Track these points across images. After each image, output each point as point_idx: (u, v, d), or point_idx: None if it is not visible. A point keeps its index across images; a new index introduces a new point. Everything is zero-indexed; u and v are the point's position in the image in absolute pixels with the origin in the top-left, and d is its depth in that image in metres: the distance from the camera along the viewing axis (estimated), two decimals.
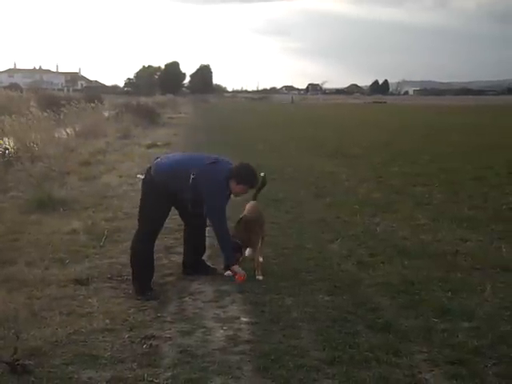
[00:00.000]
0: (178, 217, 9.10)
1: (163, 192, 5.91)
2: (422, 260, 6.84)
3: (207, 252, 6.79)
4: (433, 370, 4.22)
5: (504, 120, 38.05)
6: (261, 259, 6.49)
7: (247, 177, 5.97)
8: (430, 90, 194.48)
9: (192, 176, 5.79)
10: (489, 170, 14.19)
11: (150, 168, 6.08)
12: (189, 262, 6.44)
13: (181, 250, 7.37)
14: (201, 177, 5.81)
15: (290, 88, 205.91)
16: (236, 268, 6.07)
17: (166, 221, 8.83)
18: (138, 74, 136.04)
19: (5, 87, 64.10)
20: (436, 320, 5.07)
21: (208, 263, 6.59)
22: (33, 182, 10.92)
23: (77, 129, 20.42)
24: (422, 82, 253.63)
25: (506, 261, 6.77)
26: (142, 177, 6.38)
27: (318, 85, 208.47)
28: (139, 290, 5.76)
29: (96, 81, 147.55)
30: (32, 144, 14.83)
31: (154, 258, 6.20)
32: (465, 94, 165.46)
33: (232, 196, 6.14)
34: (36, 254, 6.91)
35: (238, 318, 5.21)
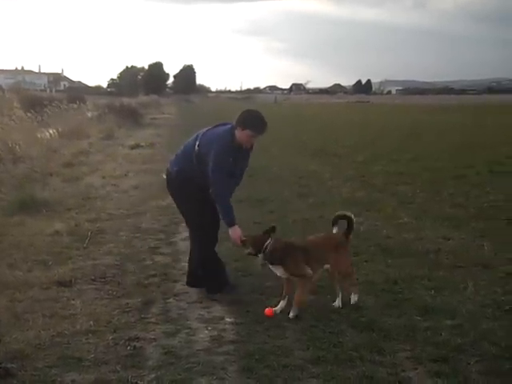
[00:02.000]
0: (162, 217, 9.17)
1: (188, 187, 5.68)
2: (405, 258, 6.88)
3: None
4: (416, 368, 4.25)
5: (485, 119, 38.32)
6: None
7: (251, 119, 5.57)
8: (412, 90, 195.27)
9: (197, 145, 5.58)
10: (470, 169, 14.29)
11: (168, 166, 5.94)
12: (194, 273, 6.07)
13: (164, 250, 7.38)
14: (204, 141, 5.56)
15: (273, 88, 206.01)
16: (234, 230, 5.49)
17: (151, 221, 8.90)
18: (122, 75, 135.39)
19: None
20: (419, 318, 5.11)
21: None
22: (15, 183, 10.84)
23: (60, 130, 20.28)
24: (405, 81, 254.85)
25: (488, 258, 6.84)
26: (164, 176, 6.11)
27: (301, 84, 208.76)
28: (217, 287, 5.76)
29: (79, 81, 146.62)
30: (14, 145, 14.71)
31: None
32: (447, 93, 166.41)
33: None
34: (18, 256, 6.87)
35: (223, 318, 5.21)
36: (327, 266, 5.41)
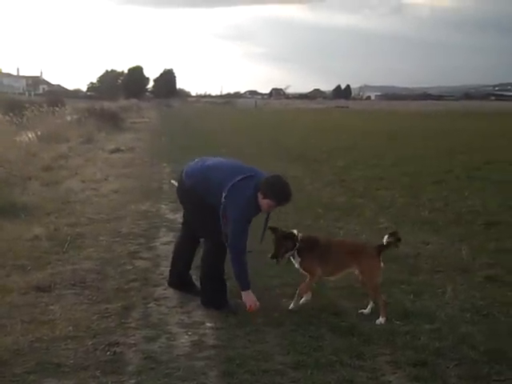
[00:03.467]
0: (142, 221, 9.14)
1: (200, 202, 5.49)
2: (384, 263, 6.90)
3: None
4: (396, 372, 4.28)
5: (462, 124, 38.72)
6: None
7: (274, 190, 5.26)
8: (391, 95, 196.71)
9: (224, 195, 5.27)
10: (449, 174, 14.45)
11: (183, 172, 5.77)
12: (176, 274, 6.07)
13: (145, 255, 7.35)
14: (231, 194, 5.25)
15: (253, 92, 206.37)
16: (247, 295, 5.34)
17: (131, 226, 8.86)
18: (101, 79, 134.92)
19: None
20: (398, 323, 5.14)
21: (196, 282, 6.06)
22: None
23: (39, 133, 20.12)
24: (384, 86, 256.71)
25: (466, 263, 6.91)
26: (176, 183, 6.02)
27: (281, 89, 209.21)
28: (219, 304, 5.55)
29: (58, 85, 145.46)
30: None
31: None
32: (425, 98, 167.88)
33: None
34: None
35: (203, 323, 5.21)
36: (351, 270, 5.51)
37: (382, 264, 5.48)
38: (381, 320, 5.19)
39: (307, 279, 5.49)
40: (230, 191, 5.26)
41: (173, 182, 6.06)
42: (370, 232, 8.47)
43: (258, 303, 5.32)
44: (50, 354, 4.50)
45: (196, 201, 5.56)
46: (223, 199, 5.27)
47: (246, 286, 5.34)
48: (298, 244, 5.46)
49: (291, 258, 5.55)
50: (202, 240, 5.87)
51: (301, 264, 5.49)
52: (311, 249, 5.47)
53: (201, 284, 5.77)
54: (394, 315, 5.28)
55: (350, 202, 11.01)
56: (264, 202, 5.28)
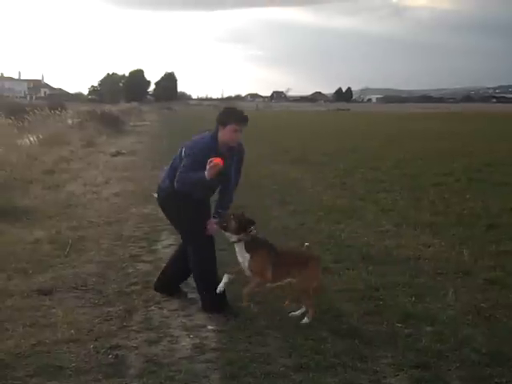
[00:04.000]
0: (144, 225, 9.15)
1: (181, 200, 5.52)
2: (386, 266, 6.92)
3: None
4: (398, 375, 4.28)
5: (463, 127, 38.73)
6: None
7: (229, 113, 5.52)
8: (392, 98, 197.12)
9: (182, 155, 5.46)
10: (449, 176, 14.42)
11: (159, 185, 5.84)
12: (168, 279, 6.01)
13: (146, 258, 7.36)
14: (187, 149, 5.46)
15: (254, 95, 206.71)
16: (207, 170, 5.18)
17: (132, 229, 8.87)
18: (103, 82, 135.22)
19: None
20: (400, 325, 5.14)
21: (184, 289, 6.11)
22: None
23: (40, 137, 20.15)
24: (385, 89, 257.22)
25: (468, 265, 6.90)
26: (156, 195, 6.02)
27: (282, 92, 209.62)
28: (214, 303, 5.53)
29: (60, 88, 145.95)
30: None
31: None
32: (426, 101, 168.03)
33: None
34: None
35: (205, 326, 5.20)
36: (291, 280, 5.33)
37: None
38: (306, 320, 5.21)
39: (253, 282, 5.29)
40: (186, 145, 5.50)
41: (154, 194, 6.06)
42: (372, 234, 8.46)
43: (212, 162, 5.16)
44: (52, 357, 4.50)
45: (173, 201, 5.62)
46: (183, 156, 5.44)
47: (200, 176, 5.22)
48: (245, 233, 5.27)
49: (236, 247, 5.33)
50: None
51: (250, 263, 5.25)
52: (262, 250, 5.30)
53: (197, 289, 5.77)
54: (395, 318, 5.28)
55: (351, 204, 11.01)
56: (227, 131, 5.39)
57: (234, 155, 5.60)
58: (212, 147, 5.39)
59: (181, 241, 6.00)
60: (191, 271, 5.79)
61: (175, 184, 5.43)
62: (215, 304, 5.52)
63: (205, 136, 5.55)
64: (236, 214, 5.40)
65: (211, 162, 5.15)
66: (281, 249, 5.46)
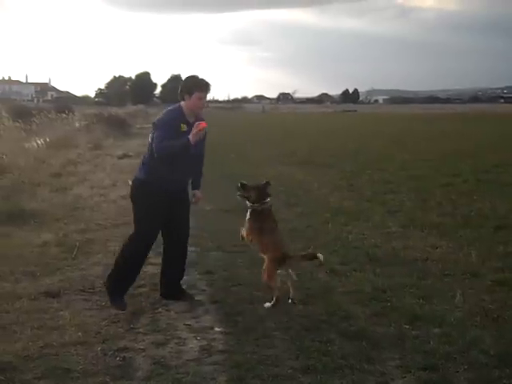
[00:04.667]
0: None
1: (151, 196, 5.59)
2: (393, 267, 6.91)
3: None
4: (405, 377, 4.26)
5: (470, 127, 38.63)
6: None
7: (193, 82, 5.60)
8: (399, 99, 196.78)
9: (152, 134, 5.57)
10: (457, 177, 14.39)
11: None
12: (167, 284, 6.04)
13: (154, 260, 7.35)
14: (157, 120, 5.60)
15: (261, 97, 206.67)
16: (191, 137, 5.38)
17: None
18: (109, 85, 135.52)
19: None
20: (408, 327, 5.13)
21: (184, 287, 6.16)
22: (2, 193, 10.78)
23: (47, 140, 20.21)
24: (392, 90, 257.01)
25: (476, 267, 6.87)
26: (130, 182, 6.11)
27: (288, 94, 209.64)
28: (114, 293, 5.72)
29: (67, 91, 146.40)
30: (1, 155, 14.65)
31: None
32: (432, 102, 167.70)
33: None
34: (6, 267, 6.82)
35: (212, 328, 5.20)
36: None
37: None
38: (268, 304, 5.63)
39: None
40: (155, 121, 5.59)
41: (129, 181, 6.15)
42: (379, 236, 8.45)
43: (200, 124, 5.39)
44: (60, 360, 4.51)
45: (141, 190, 5.68)
46: (151, 135, 5.56)
47: (183, 142, 5.37)
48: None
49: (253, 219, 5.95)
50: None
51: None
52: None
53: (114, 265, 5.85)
54: (402, 319, 5.26)
55: (357, 206, 11.00)
56: (192, 100, 5.52)
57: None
58: (180, 116, 5.55)
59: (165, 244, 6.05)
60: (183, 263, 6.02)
61: (155, 155, 5.45)
62: (115, 289, 5.68)
63: (171, 108, 5.68)
64: (258, 186, 6.15)
65: (198, 124, 5.37)
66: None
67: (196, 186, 6.10)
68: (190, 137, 5.36)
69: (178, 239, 5.95)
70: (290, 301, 5.75)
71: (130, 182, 5.98)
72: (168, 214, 5.73)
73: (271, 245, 5.81)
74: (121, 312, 5.52)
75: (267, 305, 5.63)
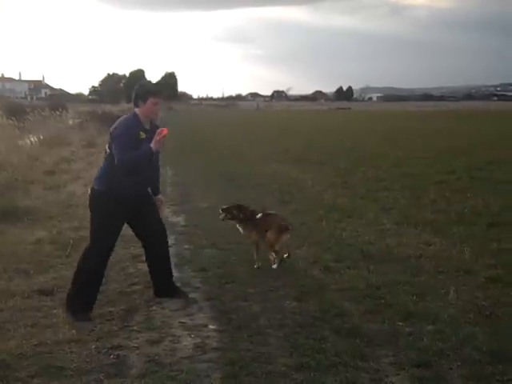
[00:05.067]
0: None
1: (110, 205, 5.48)
2: (387, 264, 6.92)
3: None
4: (399, 374, 4.27)
5: (464, 125, 38.71)
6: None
7: (147, 88, 5.59)
8: (393, 96, 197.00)
9: (107, 146, 5.55)
10: (450, 175, 14.41)
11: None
12: (158, 284, 5.98)
13: None
14: (113, 132, 5.47)
15: (255, 95, 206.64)
16: (153, 144, 5.34)
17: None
18: (103, 82, 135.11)
19: None
20: (401, 324, 5.14)
21: (178, 285, 6.15)
22: None
23: (41, 137, 20.17)
24: (386, 88, 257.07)
25: (469, 264, 6.89)
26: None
27: (283, 91, 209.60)
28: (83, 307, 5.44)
29: (60, 89, 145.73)
30: None
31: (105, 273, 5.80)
32: (426, 99, 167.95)
33: None
34: None
35: (206, 325, 5.20)
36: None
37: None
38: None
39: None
40: (111, 132, 5.46)
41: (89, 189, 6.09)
42: (373, 233, 8.46)
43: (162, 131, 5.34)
44: (54, 358, 4.51)
45: (98, 200, 5.57)
46: (107, 147, 5.53)
47: (146, 150, 5.33)
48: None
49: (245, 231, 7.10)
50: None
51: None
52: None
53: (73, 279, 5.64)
54: (396, 316, 5.27)
55: (351, 203, 11.01)
56: (147, 106, 5.47)
57: (154, 132, 5.54)
58: (136, 124, 5.47)
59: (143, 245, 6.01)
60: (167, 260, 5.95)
61: (118, 166, 5.34)
62: (77, 314, 5.37)
63: (126, 117, 5.63)
64: (232, 206, 7.12)
65: (160, 132, 5.32)
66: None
67: (157, 192, 5.97)
68: (152, 144, 5.31)
69: (156, 241, 5.86)
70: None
71: (89, 191, 5.81)
72: (134, 219, 5.66)
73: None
74: (86, 322, 5.27)
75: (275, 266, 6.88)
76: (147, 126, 5.53)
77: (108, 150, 5.53)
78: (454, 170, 15.25)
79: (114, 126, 5.54)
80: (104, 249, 5.59)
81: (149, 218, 5.78)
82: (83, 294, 5.48)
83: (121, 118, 5.65)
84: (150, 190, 5.87)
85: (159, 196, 5.99)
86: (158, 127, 5.54)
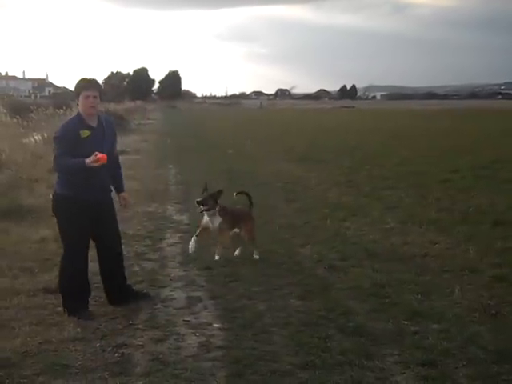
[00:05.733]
0: (147, 223, 9.17)
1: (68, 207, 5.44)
2: (391, 263, 6.91)
3: None
4: (404, 373, 4.26)
5: (468, 124, 38.61)
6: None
7: (77, 84, 5.47)
8: (396, 95, 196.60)
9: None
10: (455, 174, 14.37)
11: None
12: (111, 289, 5.78)
13: (152, 256, 7.38)
14: (55, 134, 5.51)
15: (258, 93, 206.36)
16: (90, 161, 5.20)
17: (137, 227, 8.87)
18: (107, 81, 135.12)
19: None
20: (406, 323, 5.13)
21: (137, 288, 6.05)
22: (0, 189, 10.75)
23: (45, 135, 20.14)
24: (389, 86, 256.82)
25: (474, 262, 6.88)
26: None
27: (286, 90, 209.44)
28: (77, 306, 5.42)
29: (64, 87, 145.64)
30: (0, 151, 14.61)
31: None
32: (430, 98, 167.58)
33: None
34: (3, 263, 6.81)
35: (210, 324, 5.20)
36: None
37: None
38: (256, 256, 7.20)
39: (222, 238, 7.25)
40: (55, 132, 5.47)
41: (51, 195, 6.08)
42: (377, 232, 8.45)
43: (98, 155, 5.21)
44: (59, 356, 4.51)
45: (59, 205, 5.55)
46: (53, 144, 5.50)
47: (80, 163, 5.21)
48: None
49: (207, 215, 7.12)
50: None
51: (221, 225, 7.14)
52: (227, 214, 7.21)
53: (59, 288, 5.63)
54: (401, 315, 5.26)
55: (356, 201, 11.00)
56: (82, 101, 5.37)
57: (104, 128, 5.50)
58: (78, 124, 5.39)
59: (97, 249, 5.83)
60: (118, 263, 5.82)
61: (55, 170, 5.42)
62: (72, 308, 5.38)
63: (69, 118, 5.66)
64: (211, 194, 7.07)
65: (96, 155, 5.19)
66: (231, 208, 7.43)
67: (120, 189, 5.91)
68: (87, 160, 5.19)
69: (110, 245, 5.73)
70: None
71: (51, 196, 5.75)
72: (93, 224, 5.54)
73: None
74: (91, 320, 5.28)
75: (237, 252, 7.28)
76: (92, 123, 5.42)
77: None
78: (459, 168, 15.20)
79: (57, 130, 5.52)
80: (78, 252, 5.50)
81: (105, 223, 5.62)
82: (72, 300, 5.44)
83: (65, 120, 5.64)
84: (113, 189, 5.80)
85: (123, 194, 5.91)
86: (110, 122, 5.59)
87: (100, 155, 5.21)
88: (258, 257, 7.17)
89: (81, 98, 5.38)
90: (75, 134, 5.32)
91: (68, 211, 5.44)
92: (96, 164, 5.21)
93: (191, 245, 6.99)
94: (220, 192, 7.14)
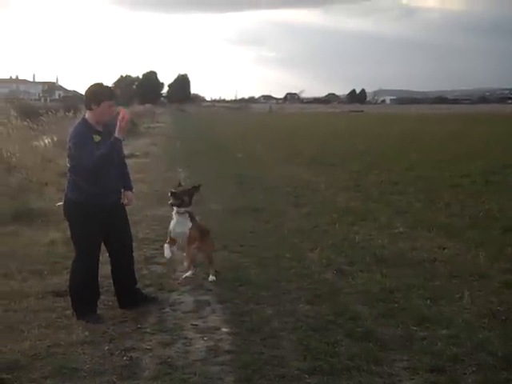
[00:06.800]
0: (157, 227, 9.17)
1: (85, 211, 5.43)
2: (400, 268, 6.88)
3: None
4: (413, 378, 4.24)
5: (479, 128, 38.45)
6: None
7: (100, 92, 5.45)
8: (406, 99, 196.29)
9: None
10: (465, 178, 14.31)
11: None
12: (122, 293, 5.84)
13: (160, 260, 7.37)
14: (69, 141, 5.43)
15: (268, 97, 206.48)
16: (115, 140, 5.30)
17: (146, 231, 8.89)
18: (116, 84, 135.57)
19: None
20: (415, 328, 5.10)
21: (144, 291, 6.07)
22: (10, 192, 10.80)
23: (55, 139, 20.22)
24: (399, 90, 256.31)
25: (484, 268, 6.84)
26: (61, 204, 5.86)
27: (296, 94, 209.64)
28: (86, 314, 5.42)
29: (74, 90, 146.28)
30: (9, 154, 14.66)
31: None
32: (440, 102, 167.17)
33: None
34: (13, 266, 6.84)
35: (219, 328, 5.20)
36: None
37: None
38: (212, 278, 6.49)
39: (190, 247, 6.39)
40: (69, 143, 5.42)
41: (59, 203, 6.08)
42: (386, 237, 8.42)
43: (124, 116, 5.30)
44: (67, 359, 4.52)
45: (72, 211, 5.54)
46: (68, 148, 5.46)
47: (109, 144, 5.28)
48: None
49: (179, 217, 6.48)
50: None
51: (192, 230, 6.40)
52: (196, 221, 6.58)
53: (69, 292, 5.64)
54: (410, 320, 5.24)
55: (364, 206, 10.97)
56: (102, 108, 5.38)
57: (111, 130, 5.46)
58: (89, 128, 5.40)
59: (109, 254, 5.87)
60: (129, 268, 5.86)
61: (84, 177, 5.35)
62: (82, 311, 5.41)
63: (76, 124, 5.56)
64: (186, 190, 6.50)
65: (123, 118, 5.27)
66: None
67: (127, 188, 5.89)
68: (116, 132, 5.26)
69: (121, 249, 5.77)
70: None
71: (62, 203, 5.75)
72: (106, 227, 5.55)
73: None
74: (100, 323, 5.30)
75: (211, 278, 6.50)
76: (99, 128, 5.45)
77: (68, 165, 5.49)
78: (469, 173, 15.14)
79: (69, 138, 5.45)
80: (90, 255, 5.53)
81: (117, 226, 5.67)
82: (81, 303, 5.47)
83: (71, 128, 5.56)
84: (122, 190, 5.79)
85: (128, 192, 5.85)
86: (110, 131, 5.42)
87: (121, 112, 5.33)
88: (214, 278, 6.49)
89: (104, 105, 5.39)
90: (90, 138, 5.35)
91: (79, 216, 5.46)
92: (126, 123, 5.29)
93: (166, 252, 6.38)
94: (197, 188, 6.56)
